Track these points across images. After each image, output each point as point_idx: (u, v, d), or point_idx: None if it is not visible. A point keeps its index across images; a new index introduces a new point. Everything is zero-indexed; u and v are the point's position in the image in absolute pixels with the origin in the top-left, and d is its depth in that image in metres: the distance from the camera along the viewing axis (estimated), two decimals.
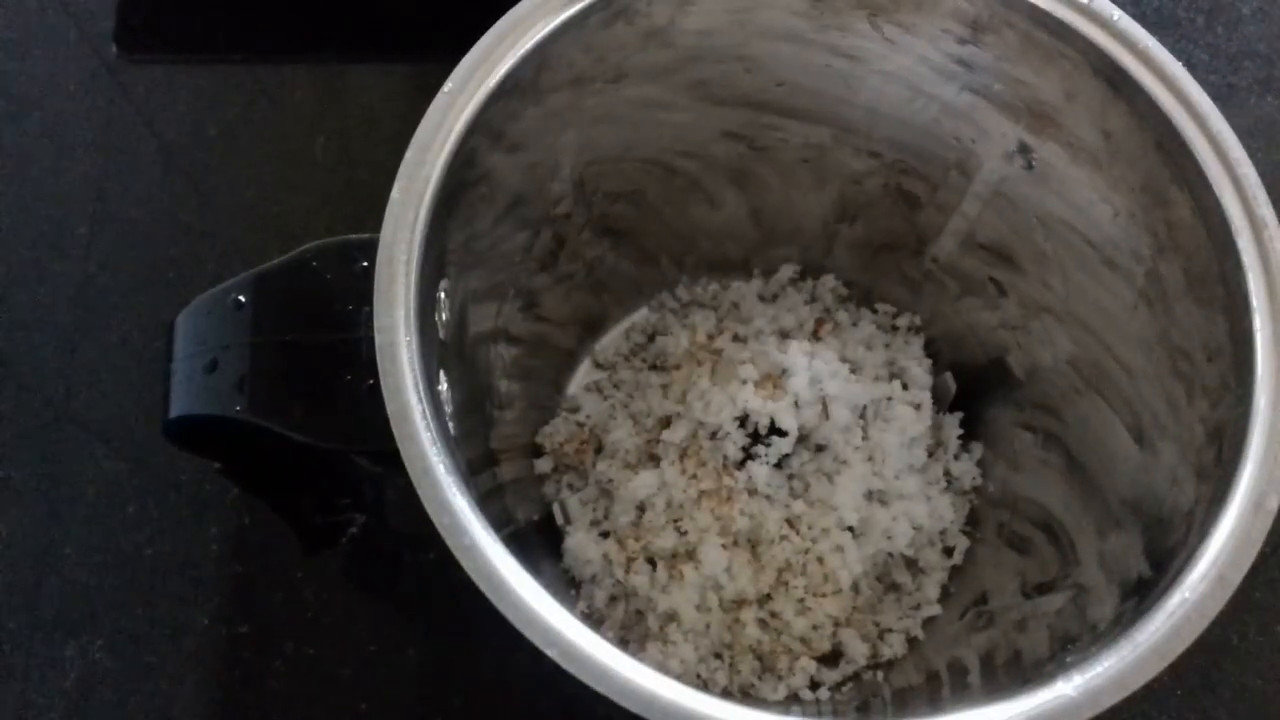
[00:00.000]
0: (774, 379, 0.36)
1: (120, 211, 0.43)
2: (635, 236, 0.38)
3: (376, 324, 0.24)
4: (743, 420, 0.36)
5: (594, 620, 0.35)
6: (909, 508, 0.36)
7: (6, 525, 0.38)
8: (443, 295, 0.28)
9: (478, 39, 0.27)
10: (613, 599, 0.35)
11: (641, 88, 0.32)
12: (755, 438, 0.35)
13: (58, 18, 0.46)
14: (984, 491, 0.37)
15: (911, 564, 0.37)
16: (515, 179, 0.31)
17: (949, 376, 0.39)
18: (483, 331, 0.33)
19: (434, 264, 0.26)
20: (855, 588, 0.35)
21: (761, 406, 0.35)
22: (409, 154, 0.26)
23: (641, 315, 0.40)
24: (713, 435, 0.35)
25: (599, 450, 0.37)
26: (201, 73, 0.45)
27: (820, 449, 0.36)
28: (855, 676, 0.35)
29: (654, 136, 0.34)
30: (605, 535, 0.36)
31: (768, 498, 0.35)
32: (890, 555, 0.36)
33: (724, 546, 0.34)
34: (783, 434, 0.35)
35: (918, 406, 0.37)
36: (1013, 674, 0.30)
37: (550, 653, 0.22)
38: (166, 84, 0.45)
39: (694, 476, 0.35)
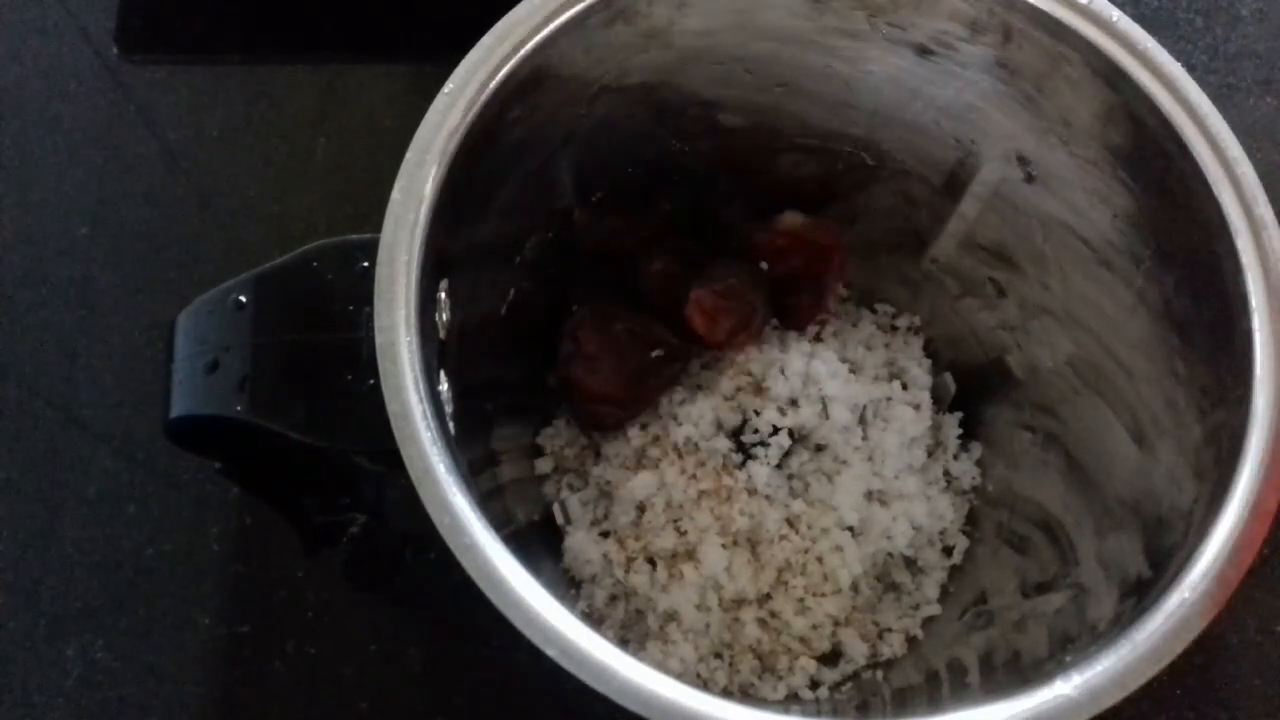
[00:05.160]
0: (764, 379, 0.36)
1: (120, 211, 0.43)
2: None
3: (377, 324, 0.24)
4: (742, 422, 0.36)
5: (594, 620, 0.35)
6: (909, 508, 0.36)
7: (7, 525, 0.38)
8: (443, 295, 0.28)
9: (478, 39, 0.27)
10: (613, 599, 0.35)
11: None
12: (756, 441, 0.35)
13: (58, 18, 0.46)
14: (983, 491, 0.37)
15: (911, 564, 0.37)
16: (515, 179, 0.31)
17: (948, 376, 0.39)
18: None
19: (434, 264, 0.26)
20: (855, 587, 0.35)
21: (758, 407, 0.35)
22: (409, 154, 0.26)
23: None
24: (709, 436, 0.35)
25: (599, 451, 0.37)
26: (201, 73, 0.45)
27: (820, 449, 0.36)
28: (855, 676, 0.35)
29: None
30: (605, 535, 0.36)
31: (767, 497, 0.35)
32: (890, 555, 0.36)
33: (724, 546, 0.34)
34: (791, 435, 0.35)
35: (917, 407, 0.37)
36: (1012, 674, 0.30)
37: (550, 652, 0.22)
38: (166, 84, 0.45)
39: (693, 476, 0.35)
